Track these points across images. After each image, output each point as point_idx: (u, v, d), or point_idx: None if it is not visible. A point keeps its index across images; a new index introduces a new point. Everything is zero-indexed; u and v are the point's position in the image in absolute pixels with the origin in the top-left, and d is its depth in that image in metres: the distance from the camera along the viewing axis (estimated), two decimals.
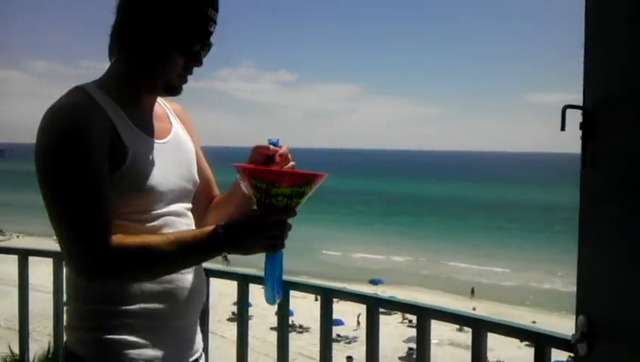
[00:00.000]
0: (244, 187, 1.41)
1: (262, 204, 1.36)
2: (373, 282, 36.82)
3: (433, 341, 1.90)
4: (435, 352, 1.89)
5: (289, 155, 1.54)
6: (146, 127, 1.48)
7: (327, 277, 36.20)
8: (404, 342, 25.45)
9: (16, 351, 2.96)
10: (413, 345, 23.92)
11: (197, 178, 1.61)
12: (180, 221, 1.51)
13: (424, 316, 1.85)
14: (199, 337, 1.61)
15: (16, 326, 2.80)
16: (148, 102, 1.53)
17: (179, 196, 1.53)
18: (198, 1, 1.38)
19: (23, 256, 2.74)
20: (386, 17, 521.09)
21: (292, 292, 2.14)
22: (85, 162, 1.30)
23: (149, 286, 1.43)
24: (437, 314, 1.87)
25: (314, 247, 48.10)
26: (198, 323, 1.61)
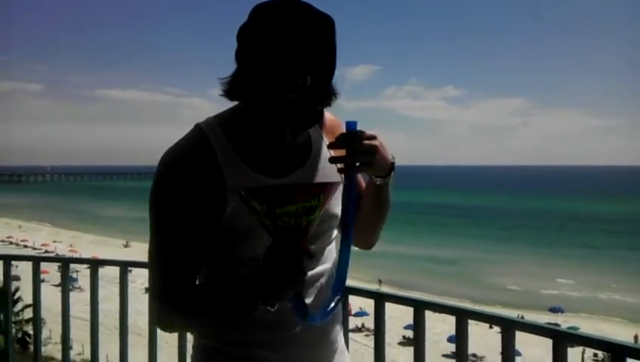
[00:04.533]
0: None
1: (268, 228, 1.18)
2: (554, 310, 34.57)
3: None
4: None
5: (360, 139, 1.29)
6: (266, 166, 1.37)
7: (502, 304, 34.71)
8: None
9: None
10: None
11: (335, 213, 1.43)
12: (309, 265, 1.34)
13: (620, 355, 1.66)
14: None
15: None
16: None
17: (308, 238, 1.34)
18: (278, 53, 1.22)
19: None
20: (554, 29, 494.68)
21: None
22: (175, 211, 1.30)
23: (259, 334, 1.38)
24: (635, 352, 1.67)
25: (482, 272, 46.49)
26: None
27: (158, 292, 1.32)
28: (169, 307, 1.32)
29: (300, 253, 1.16)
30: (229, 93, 1.33)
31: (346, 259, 1.37)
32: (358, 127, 1.33)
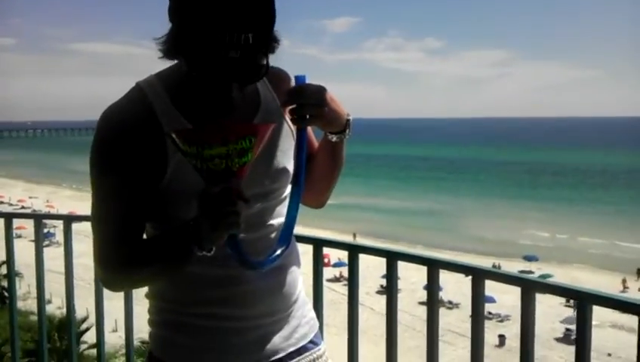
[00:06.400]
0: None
1: (200, 171, 1.15)
2: (528, 258, 35.38)
3: (593, 323, 1.76)
4: (596, 334, 1.75)
5: (306, 93, 1.32)
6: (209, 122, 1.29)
7: (477, 253, 35.41)
8: (561, 322, 24.27)
9: None
10: (571, 326, 22.96)
11: (286, 168, 1.41)
12: (257, 222, 1.38)
13: (585, 302, 1.72)
14: (293, 334, 1.48)
15: None
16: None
17: (255, 197, 1.33)
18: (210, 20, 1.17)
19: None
20: None
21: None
22: (112, 174, 1.29)
23: (211, 291, 1.37)
24: (600, 300, 1.72)
25: (457, 221, 47.25)
26: (290, 320, 1.48)
27: (100, 251, 1.33)
28: (113, 264, 1.32)
29: (232, 196, 1.13)
30: (167, 53, 1.27)
31: (294, 211, 1.39)
32: (308, 81, 1.35)
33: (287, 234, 1.39)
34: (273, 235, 1.41)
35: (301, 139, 1.38)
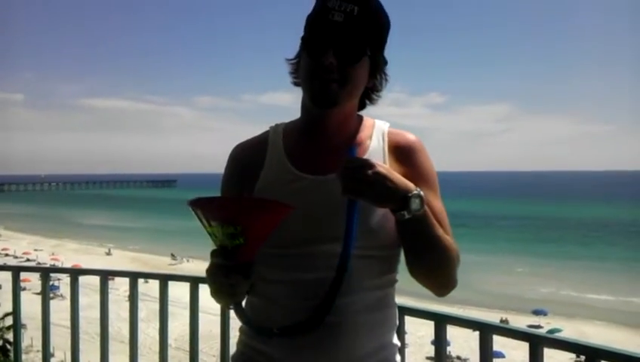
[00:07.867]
0: None
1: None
2: (536, 313, 34.79)
3: None
4: None
5: (350, 167, 1.26)
6: (310, 164, 1.43)
7: (486, 306, 34.89)
8: None
9: None
10: None
11: (339, 223, 1.33)
12: (305, 262, 1.36)
13: (595, 358, 1.70)
14: None
15: (185, 346, 2.97)
16: (325, 131, 1.44)
17: (309, 239, 1.36)
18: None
19: (194, 283, 2.80)
20: (539, 35, 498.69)
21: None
22: (222, 191, 1.50)
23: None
24: (610, 355, 1.70)
25: (461, 275, 45.93)
26: None
27: None
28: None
29: (229, 271, 1.17)
30: (294, 70, 1.45)
31: (333, 290, 1.31)
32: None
33: (320, 311, 1.32)
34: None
35: (349, 210, 1.32)
